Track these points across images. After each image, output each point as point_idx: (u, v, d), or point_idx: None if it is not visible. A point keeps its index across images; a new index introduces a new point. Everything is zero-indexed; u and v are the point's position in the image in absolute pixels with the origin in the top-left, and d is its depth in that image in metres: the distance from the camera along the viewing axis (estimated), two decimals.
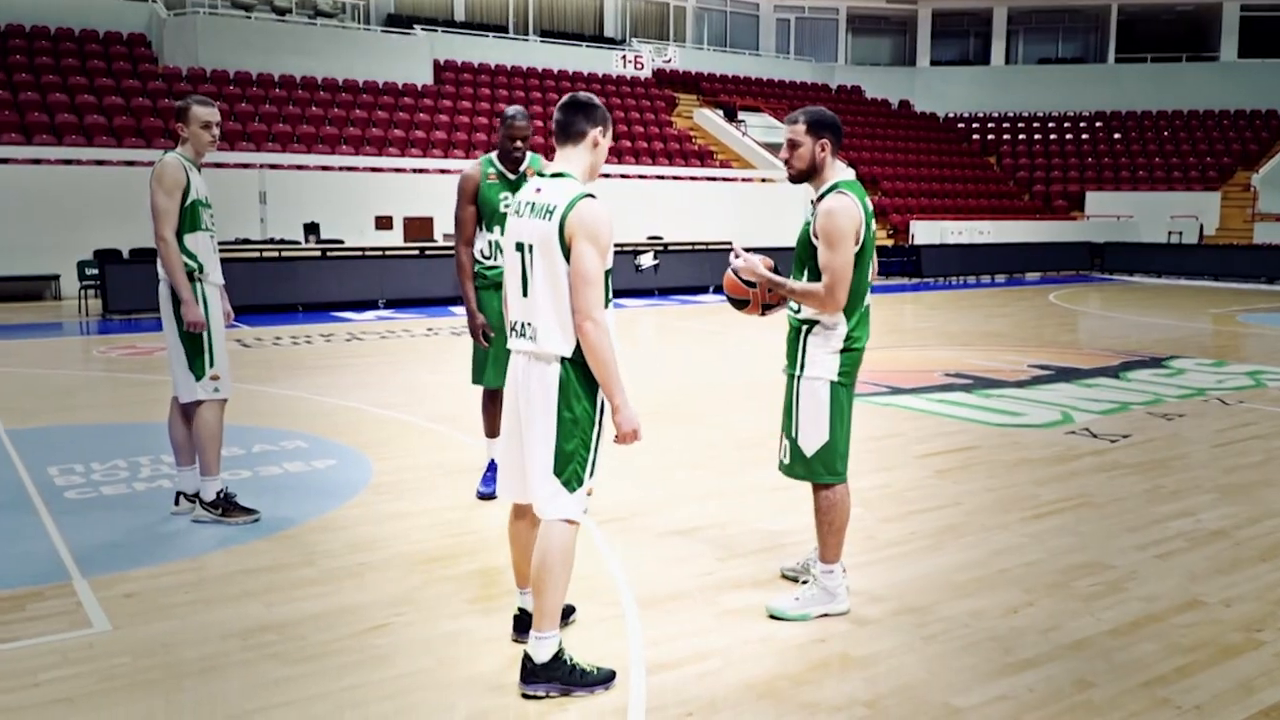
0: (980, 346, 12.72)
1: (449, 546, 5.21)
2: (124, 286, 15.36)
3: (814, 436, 4.23)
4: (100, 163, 19.68)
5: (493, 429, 5.87)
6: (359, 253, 18.33)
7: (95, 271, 16.24)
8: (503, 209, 5.55)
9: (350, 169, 22.41)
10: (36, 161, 19.20)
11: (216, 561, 4.97)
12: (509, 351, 3.81)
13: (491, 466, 5.99)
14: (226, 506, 5.52)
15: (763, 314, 4.38)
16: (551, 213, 3.52)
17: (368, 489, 6.25)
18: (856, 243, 4.09)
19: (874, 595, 4.57)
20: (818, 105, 4.40)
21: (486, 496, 5.90)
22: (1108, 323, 16.27)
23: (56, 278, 18.49)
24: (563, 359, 3.55)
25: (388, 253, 18.61)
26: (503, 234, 4.31)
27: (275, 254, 17.68)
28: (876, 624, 4.26)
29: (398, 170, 22.99)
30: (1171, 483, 6.44)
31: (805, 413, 4.24)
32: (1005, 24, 38.71)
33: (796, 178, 4.27)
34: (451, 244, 7.23)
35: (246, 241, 18.34)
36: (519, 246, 3.64)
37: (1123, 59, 37.95)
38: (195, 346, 5.45)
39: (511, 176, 5.63)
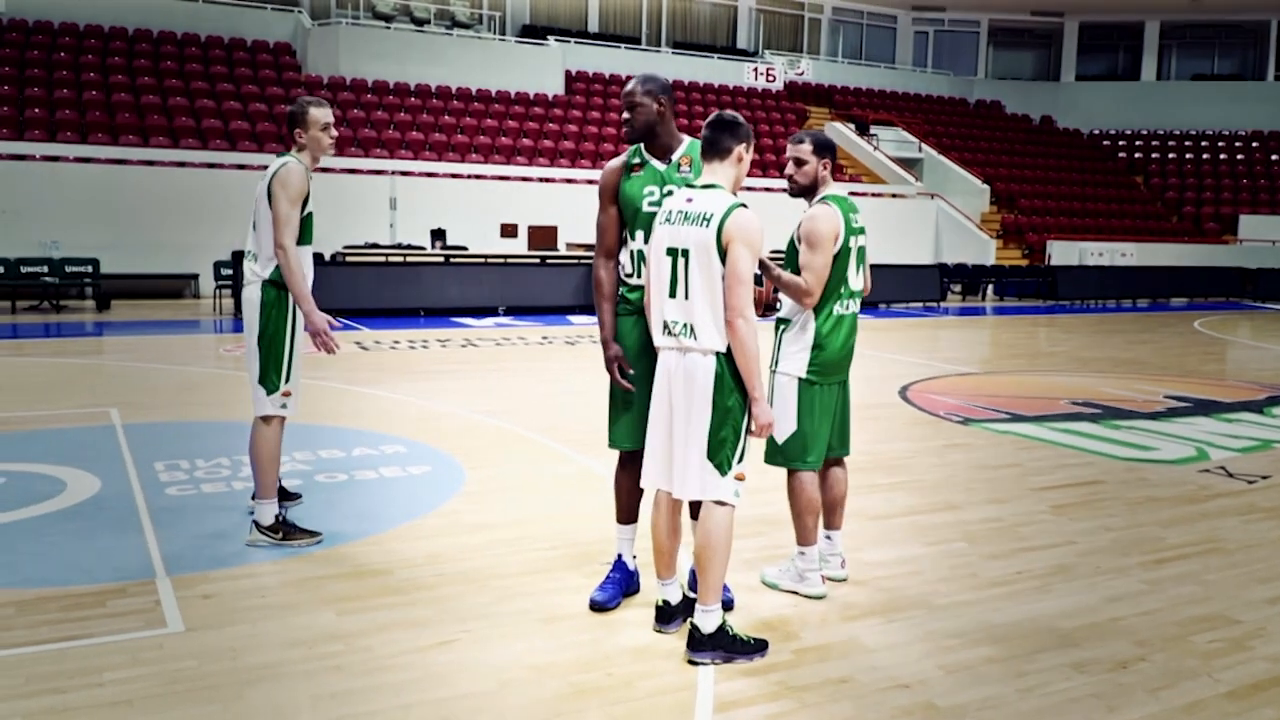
0: (1114, 374, 12.08)
1: (528, 563, 5.08)
2: None
3: (782, 426, 4.56)
4: (242, 167, 20.36)
5: (629, 513, 4.62)
6: (481, 259, 18.53)
7: (229, 272, 16.76)
8: (646, 207, 4.32)
9: (479, 177, 22.73)
10: (181, 164, 19.99)
11: (297, 566, 4.95)
12: (647, 405, 4.14)
13: (618, 567, 4.62)
14: (287, 530, 5.25)
15: (763, 315, 4.53)
16: (709, 220, 3.86)
17: (457, 497, 6.18)
18: (835, 245, 4.50)
19: (968, 638, 4.26)
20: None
21: (600, 607, 4.48)
22: (1256, 354, 15.33)
23: (195, 277, 19.18)
24: (718, 354, 3.89)
25: (509, 260, 18.76)
26: (646, 240, 4.24)
27: (401, 258, 18.00)
28: (968, 670, 3.96)
29: (525, 179, 23.23)
30: None
31: (776, 405, 4.54)
32: (1158, 38, 37.20)
33: (798, 192, 4.70)
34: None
35: (375, 246, 18.73)
36: (670, 252, 3.95)
37: None
38: (274, 358, 5.18)
39: (660, 166, 4.34)
